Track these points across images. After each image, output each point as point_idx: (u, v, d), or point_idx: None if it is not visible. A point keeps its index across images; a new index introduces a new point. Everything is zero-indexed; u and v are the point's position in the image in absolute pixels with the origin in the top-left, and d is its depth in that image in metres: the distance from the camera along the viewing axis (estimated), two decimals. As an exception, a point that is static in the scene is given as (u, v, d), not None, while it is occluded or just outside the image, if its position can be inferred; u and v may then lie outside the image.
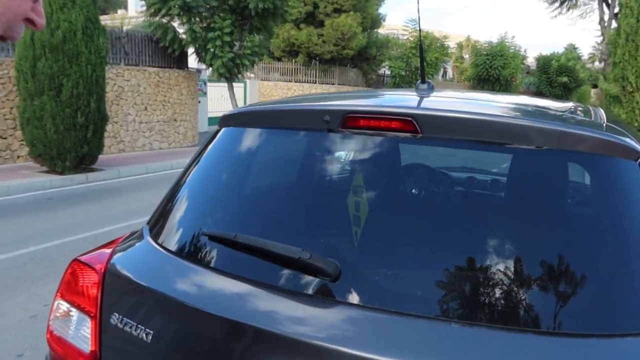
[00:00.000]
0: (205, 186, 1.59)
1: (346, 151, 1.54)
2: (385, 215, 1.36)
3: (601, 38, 19.87)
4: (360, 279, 1.19)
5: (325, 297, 1.14)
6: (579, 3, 21.55)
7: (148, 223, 1.56)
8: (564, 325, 1.04)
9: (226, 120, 1.66)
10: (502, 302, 1.09)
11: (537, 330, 1.04)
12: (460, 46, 39.43)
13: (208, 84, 17.54)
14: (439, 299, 1.13)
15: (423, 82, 1.68)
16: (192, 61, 14.96)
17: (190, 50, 14.43)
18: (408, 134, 1.29)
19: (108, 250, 1.49)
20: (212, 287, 1.28)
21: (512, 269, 1.12)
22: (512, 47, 30.66)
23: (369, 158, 1.42)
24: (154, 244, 1.44)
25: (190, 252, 1.39)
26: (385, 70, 28.77)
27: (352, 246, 1.27)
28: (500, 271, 1.12)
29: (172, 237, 1.45)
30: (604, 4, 19.34)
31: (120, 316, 1.28)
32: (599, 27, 18.82)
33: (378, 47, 26.52)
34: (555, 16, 31.92)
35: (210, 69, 14.78)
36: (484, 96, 1.98)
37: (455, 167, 2.82)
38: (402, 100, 1.78)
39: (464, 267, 1.17)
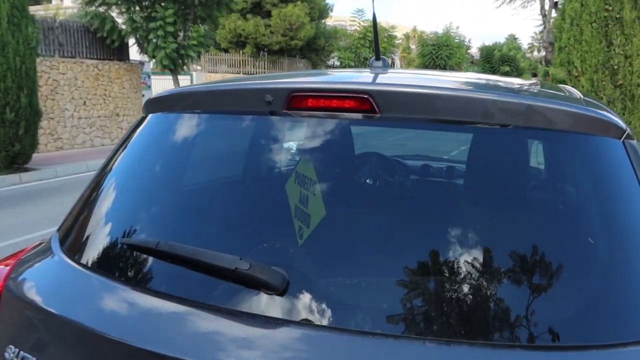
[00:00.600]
0: (127, 186, 1.34)
1: (296, 141, 1.37)
2: (341, 212, 1.16)
3: (541, 27, 20.51)
4: (312, 292, 0.99)
5: (270, 315, 0.94)
6: (521, -7, 22.19)
7: (58, 231, 1.29)
8: (557, 337, 0.89)
9: (152, 105, 1.41)
10: (483, 313, 0.92)
11: (528, 345, 0.88)
12: (407, 37, 39.91)
13: (152, 76, 16.89)
14: (407, 312, 0.94)
15: (378, 58, 1.49)
16: (134, 53, 14.33)
17: (131, 41, 13.81)
18: (364, 115, 1.12)
19: (6, 267, 1.21)
20: (133, 310, 1.04)
21: (493, 273, 0.96)
22: (457, 38, 31.35)
23: (319, 144, 1.24)
24: (64, 257, 1.19)
25: (108, 267, 1.15)
26: (334, 61, 28.69)
27: (301, 251, 1.07)
28: (478, 276, 0.95)
29: (87, 248, 1.20)
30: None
31: (18, 350, 1.02)
32: (539, 16, 19.41)
33: (326, 38, 26.41)
34: (499, 6, 32.81)
35: (154, 60, 14.22)
36: (445, 73, 1.82)
37: (410, 155, 2.67)
38: (355, 77, 1.57)
39: (434, 271, 0.99)
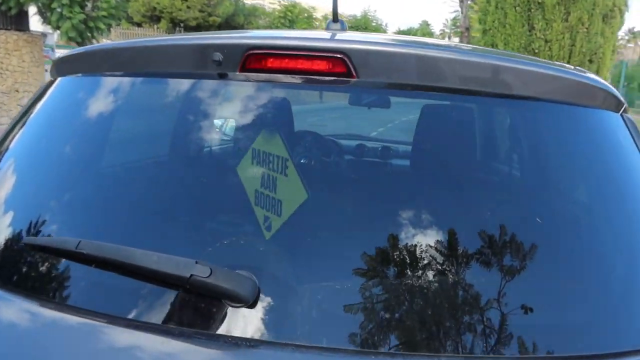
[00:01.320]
0: (30, 169, 1.06)
1: (225, 118, 1.18)
2: (320, 198, 0.97)
3: (455, 14, 21.24)
4: (290, 301, 0.80)
5: (237, 335, 0.74)
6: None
7: None
8: (554, 347, 0.77)
9: (63, 66, 1.14)
10: (476, 323, 0.78)
11: (524, 357, 0.75)
12: (326, 18, 39.89)
13: (56, 50, 15.44)
14: (407, 326, 0.78)
15: (335, 20, 1.31)
16: (36, 23, 13.02)
17: (32, 9, 12.51)
18: (337, 78, 0.94)
19: None
20: (48, 335, 0.79)
21: (481, 272, 0.82)
22: (374, 21, 31.80)
23: (282, 116, 1.07)
24: None
25: (10, 277, 0.89)
26: (253, 40, 28.06)
27: (271, 247, 0.87)
28: (464, 276, 0.82)
29: None
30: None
31: None
32: (454, 2, 20.07)
33: (246, 16, 25.70)
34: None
35: (58, 32, 13.01)
36: (418, 39, 1.68)
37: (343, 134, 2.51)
38: (320, 35, 1.38)
39: (423, 271, 0.84)
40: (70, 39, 12.81)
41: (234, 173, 0.95)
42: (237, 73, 0.95)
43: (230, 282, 0.75)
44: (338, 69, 0.93)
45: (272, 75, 0.97)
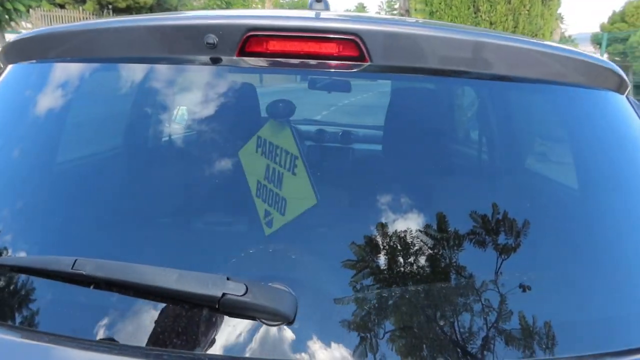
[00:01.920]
0: None
1: (184, 106, 1.06)
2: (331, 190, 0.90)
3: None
4: (334, 314, 0.72)
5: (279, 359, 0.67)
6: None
7: None
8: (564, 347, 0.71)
9: (16, 52, 0.99)
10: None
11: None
12: (262, 1, 39.22)
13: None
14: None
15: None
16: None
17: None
18: (349, 62, 0.88)
19: None
20: None
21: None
22: (312, 4, 31.77)
23: (286, 105, 0.99)
24: None
25: None
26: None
27: (278, 246, 0.81)
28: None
29: None
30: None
31: None
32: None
33: (179, -3, 24.77)
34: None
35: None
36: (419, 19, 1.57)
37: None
38: (327, 15, 1.22)
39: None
40: (-15, 21, 11.80)
41: (231, 162, 0.87)
42: (236, 57, 0.86)
43: (268, 299, 0.67)
44: (350, 52, 0.86)
45: (274, 59, 0.88)
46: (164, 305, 0.70)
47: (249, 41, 0.86)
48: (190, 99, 1.01)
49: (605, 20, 30.31)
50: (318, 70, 0.94)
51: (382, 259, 0.77)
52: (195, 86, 0.98)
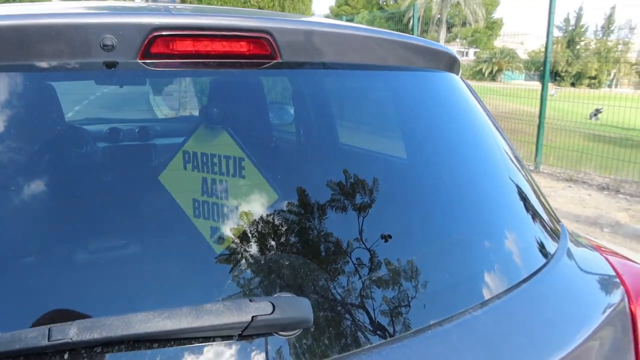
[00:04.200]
0: None
1: None
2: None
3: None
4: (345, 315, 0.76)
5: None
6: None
7: None
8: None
9: None
10: None
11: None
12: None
13: None
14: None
15: None
16: None
17: None
18: (257, 61, 0.86)
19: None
20: None
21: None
22: None
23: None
24: None
25: None
26: None
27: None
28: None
29: None
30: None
31: None
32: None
33: None
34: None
35: None
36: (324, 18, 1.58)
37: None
38: (224, 11, 1.17)
39: None
40: None
41: (152, 184, 0.80)
42: (138, 60, 0.76)
43: (292, 310, 0.66)
44: (260, 50, 0.84)
45: (180, 61, 0.81)
46: (189, 346, 0.63)
47: (154, 41, 0.77)
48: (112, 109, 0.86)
49: (334, 3, 34.10)
50: (228, 70, 0.89)
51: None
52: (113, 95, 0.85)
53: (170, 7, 1.01)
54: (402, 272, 0.82)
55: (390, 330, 0.75)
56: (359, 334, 0.74)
